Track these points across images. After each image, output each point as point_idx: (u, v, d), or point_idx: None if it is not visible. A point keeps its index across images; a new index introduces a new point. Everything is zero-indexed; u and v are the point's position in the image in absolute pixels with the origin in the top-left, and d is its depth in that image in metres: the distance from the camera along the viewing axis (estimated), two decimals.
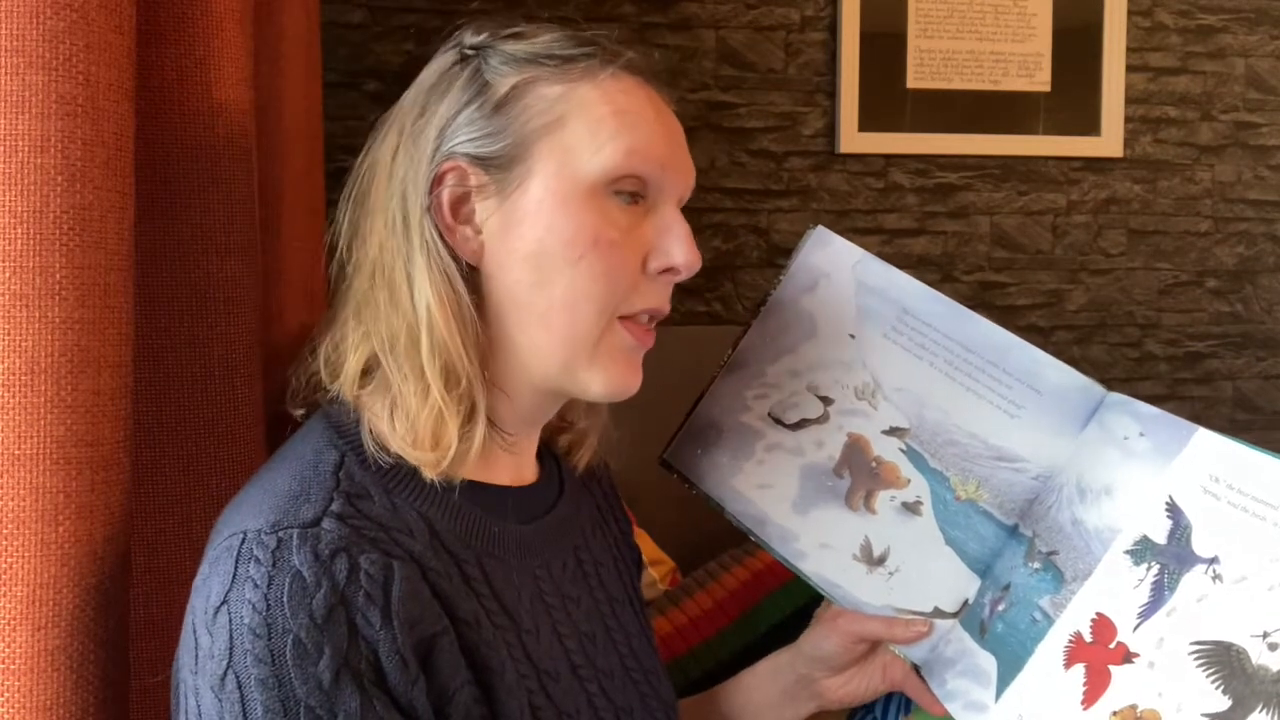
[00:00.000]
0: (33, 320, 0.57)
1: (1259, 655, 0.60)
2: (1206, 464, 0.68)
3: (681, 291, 1.86)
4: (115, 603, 0.62)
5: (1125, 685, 0.65)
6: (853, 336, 0.80)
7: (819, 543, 0.79)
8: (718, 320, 1.88)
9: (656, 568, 1.39)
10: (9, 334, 0.56)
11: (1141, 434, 0.72)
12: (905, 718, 0.88)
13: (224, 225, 0.73)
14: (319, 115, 1.07)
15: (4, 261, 0.56)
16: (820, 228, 0.83)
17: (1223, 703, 0.60)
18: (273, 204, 0.83)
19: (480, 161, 0.64)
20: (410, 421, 0.62)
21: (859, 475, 0.79)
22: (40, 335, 0.57)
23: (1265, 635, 0.60)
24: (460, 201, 0.64)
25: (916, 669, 0.79)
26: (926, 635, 0.77)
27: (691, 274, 0.67)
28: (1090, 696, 0.66)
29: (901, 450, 0.79)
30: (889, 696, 0.90)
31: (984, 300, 1.96)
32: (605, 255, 0.64)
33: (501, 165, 0.64)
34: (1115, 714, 0.64)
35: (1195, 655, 0.62)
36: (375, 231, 0.65)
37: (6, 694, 0.56)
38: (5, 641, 0.56)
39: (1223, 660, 0.61)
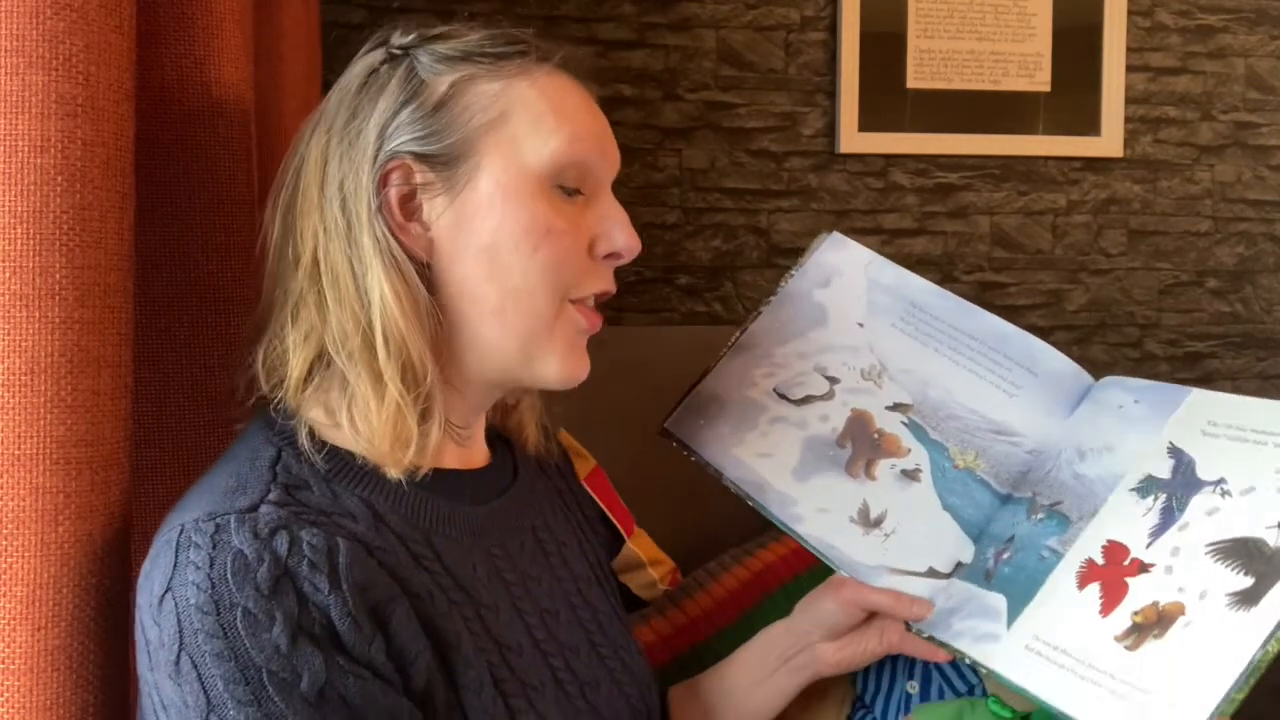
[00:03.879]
0: (33, 320, 0.57)
1: (1277, 539, 0.62)
2: (1204, 413, 0.71)
3: (682, 292, 1.86)
4: (115, 603, 0.62)
5: (1143, 590, 0.66)
6: (861, 325, 0.84)
7: (817, 507, 0.81)
8: (718, 320, 1.88)
9: (656, 568, 1.38)
10: (9, 334, 0.56)
11: (1136, 401, 0.76)
12: (905, 717, 0.88)
13: (224, 225, 0.73)
14: None
15: (4, 261, 0.56)
16: (835, 232, 0.88)
17: (1245, 582, 0.61)
18: None
19: (425, 159, 0.65)
20: (368, 420, 0.63)
21: (861, 445, 0.82)
22: (40, 335, 0.57)
23: None
24: (407, 199, 0.66)
25: (908, 626, 0.79)
26: (927, 615, 0.77)
27: (633, 256, 0.71)
28: (1108, 606, 0.67)
29: (904, 423, 0.82)
30: (889, 697, 0.90)
31: (984, 300, 1.96)
32: (557, 244, 0.66)
33: (447, 162, 0.65)
34: (1136, 613, 0.65)
35: (1213, 553, 0.64)
36: (310, 235, 0.65)
37: (6, 694, 0.56)
38: (5, 641, 0.56)
39: (1241, 551, 0.63)
